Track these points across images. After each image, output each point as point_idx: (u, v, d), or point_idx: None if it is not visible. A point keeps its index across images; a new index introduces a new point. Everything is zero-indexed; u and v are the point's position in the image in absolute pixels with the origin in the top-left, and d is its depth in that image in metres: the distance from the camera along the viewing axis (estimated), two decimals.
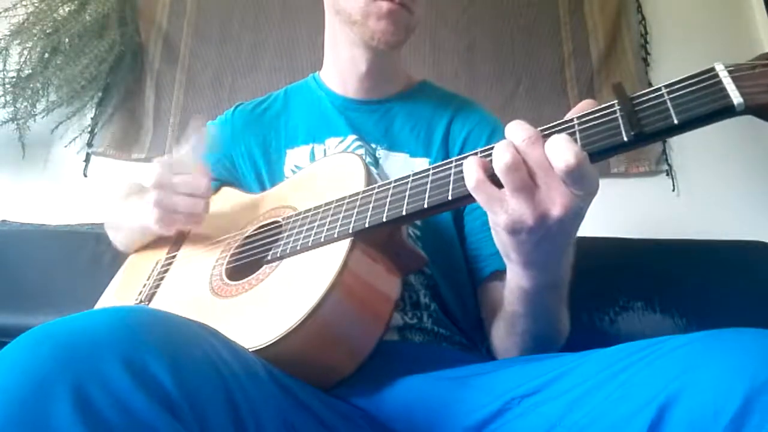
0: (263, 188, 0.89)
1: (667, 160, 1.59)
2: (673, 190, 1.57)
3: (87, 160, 1.65)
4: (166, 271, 0.80)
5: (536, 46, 1.68)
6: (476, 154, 0.55)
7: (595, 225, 0.80)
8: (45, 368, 0.37)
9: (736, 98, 0.44)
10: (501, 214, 0.50)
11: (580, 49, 1.67)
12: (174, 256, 0.82)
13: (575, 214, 0.49)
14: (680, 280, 1.14)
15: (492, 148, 0.51)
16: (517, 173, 0.49)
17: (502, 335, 0.73)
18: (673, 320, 1.08)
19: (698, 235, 1.25)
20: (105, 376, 0.37)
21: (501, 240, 0.54)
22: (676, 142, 1.60)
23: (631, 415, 0.43)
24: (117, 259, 0.92)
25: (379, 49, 0.84)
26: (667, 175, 1.58)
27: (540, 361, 0.58)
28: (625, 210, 1.51)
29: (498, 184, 0.50)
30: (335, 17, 0.88)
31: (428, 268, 0.81)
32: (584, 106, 0.52)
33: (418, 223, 0.83)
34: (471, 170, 0.51)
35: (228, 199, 0.88)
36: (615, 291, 1.12)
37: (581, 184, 0.48)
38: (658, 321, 1.08)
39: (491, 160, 0.50)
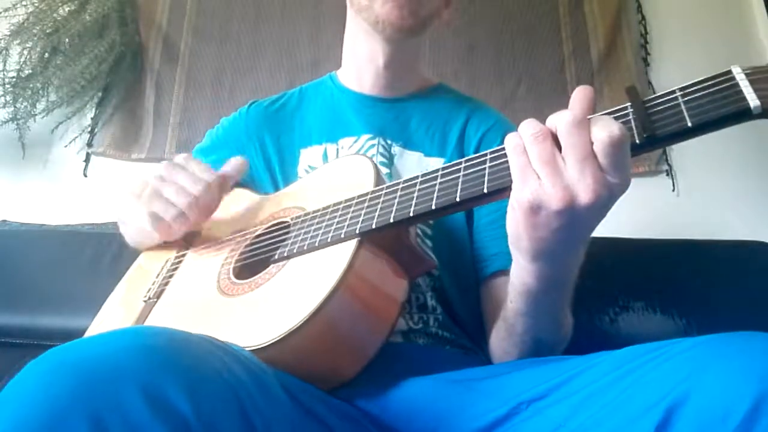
0: (277, 187, 0.89)
1: (667, 160, 1.59)
2: (673, 190, 1.57)
3: (87, 160, 1.65)
4: (175, 269, 0.81)
5: (536, 46, 1.68)
6: (485, 155, 0.55)
7: None
8: (62, 399, 0.36)
9: (753, 101, 0.44)
10: (531, 184, 0.48)
11: (580, 49, 1.67)
12: (184, 255, 0.83)
13: (602, 206, 0.48)
14: (680, 280, 1.14)
15: (503, 148, 0.52)
16: (544, 144, 0.48)
17: (502, 335, 0.71)
18: (673, 320, 1.08)
19: (698, 235, 1.25)
20: (123, 407, 0.36)
21: (516, 222, 0.51)
22: None
23: (637, 416, 0.43)
24: (117, 259, 0.92)
25: (387, 34, 0.83)
26: (667, 175, 1.58)
27: (548, 364, 0.58)
28: (625, 210, 1.49)
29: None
30: (351, 9, 0.88)
31: (436, 270, 0.81)
32: (582, 93, 0.50)
33: (431, 223, 0.83)
34: (513, 136, 0.51)
35: (239, 199, 0.88)
36: (615, 291, 1.12)
37: (619, 166, 0.47)
38: (658, 321, 1.08)
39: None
